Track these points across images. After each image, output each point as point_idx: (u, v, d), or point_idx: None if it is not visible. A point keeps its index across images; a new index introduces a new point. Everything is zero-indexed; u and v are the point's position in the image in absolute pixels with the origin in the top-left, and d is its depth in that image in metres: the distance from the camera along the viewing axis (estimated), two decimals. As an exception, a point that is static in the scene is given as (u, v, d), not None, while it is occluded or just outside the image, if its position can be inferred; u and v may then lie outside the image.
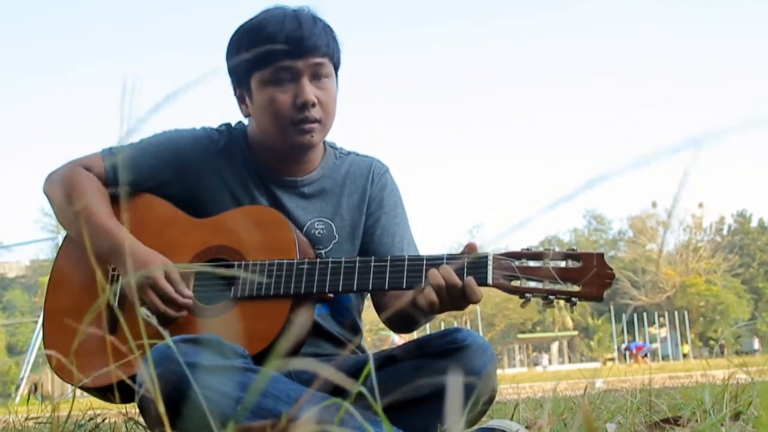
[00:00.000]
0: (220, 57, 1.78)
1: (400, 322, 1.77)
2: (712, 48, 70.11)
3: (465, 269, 1.51)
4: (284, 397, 1.41)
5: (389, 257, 1.58)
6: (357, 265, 1.58)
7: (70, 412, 1.90)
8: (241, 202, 1.78)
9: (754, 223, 54.68)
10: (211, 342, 1.41)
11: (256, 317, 1.58)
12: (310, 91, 1.68)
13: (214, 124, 1.88)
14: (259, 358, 1.51)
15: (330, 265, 1.59)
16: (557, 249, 1.52)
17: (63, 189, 1.75)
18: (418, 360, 1.59)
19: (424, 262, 1.55)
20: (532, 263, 1.51)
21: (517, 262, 1.51)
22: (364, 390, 0.77)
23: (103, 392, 1.67)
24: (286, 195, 1.81)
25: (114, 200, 1.79)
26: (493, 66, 73.24)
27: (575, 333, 48.26)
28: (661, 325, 47.70)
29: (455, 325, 1.65)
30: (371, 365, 0.82)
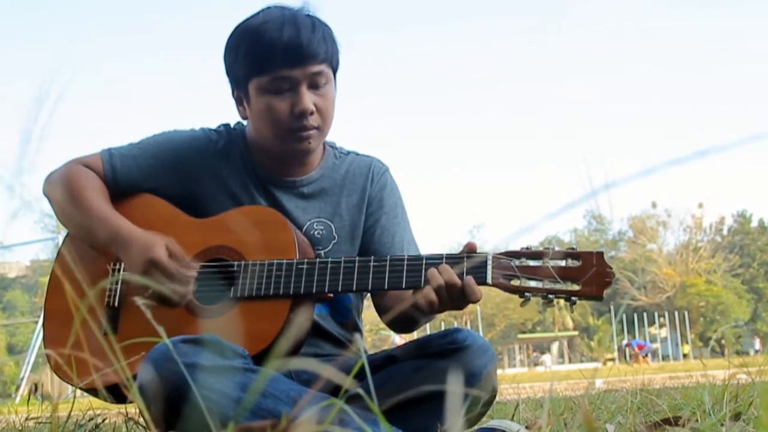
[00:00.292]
0: (219, 57, 1.78)
1: (400, 322, 1.77)
2: (713, 48, 70.14)
3: (464, 269, 1.51)
4: (284, 398, 1.41)
5: (388, 257, 1.58)
6: (356, 265, 1.58)
7: (70, 412, 1.90)
8: (241, 203, 1.78)
9: (754, 223, 54.66)
10: (211, 342, 1.41)
11: (256, 317, 1.58)
12: (308, 99, 1.68)
13: (213, 125, 1.88)
14: (259, 358, 1.51)
15: (329, 265, 1.59)
16: (557, 248, 1.52)
17: (62, 186, 1.75)
18: (418, 360, 1.59)
19: (423, 261, 1.55)
20: (531, 262, 1.51)
21: (516, 262, 1.51)
22: (361, 391, 0.77)
23: (104, 392, 1.67)
24: (285, 195, 1.81)
25: (113, 200, 1.79)
26: (493, 66, 73.28)
27: (575, 333, 48.25)
28: (661, 325, 47.68)
29: (455, 325, 1.65)
30: (365, 364, 0.81)
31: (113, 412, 2.06)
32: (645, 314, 43.86)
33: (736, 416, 1.46)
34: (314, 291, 1.58)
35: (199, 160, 1.81)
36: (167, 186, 1.80)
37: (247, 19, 1.73)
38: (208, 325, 1.60)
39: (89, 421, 1.94)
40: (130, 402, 1.64)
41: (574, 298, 1.48)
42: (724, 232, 54.28)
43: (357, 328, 1.86)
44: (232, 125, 1.88)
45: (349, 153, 1.92)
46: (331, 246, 1.80)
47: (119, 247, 1.66)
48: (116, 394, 1.59)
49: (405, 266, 1.56)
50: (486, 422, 1.61)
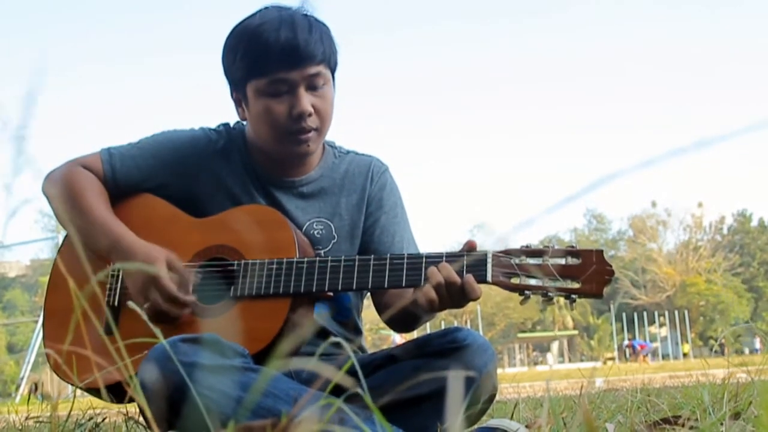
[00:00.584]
0: (218, 57, 1.78)
1: (400, 321, 1.77)
2: (713, 48, 70.09)
3: (464, 267, 1.50)
4: (284, 397, 1.41)
5: (388, 255, 1.58)
6: (356, 263, 1.58)
7: (70, 411, 1.90)
8: (240, 202, 1.78)
9: (754, 223, 54.66)
10: (211, 341, 1.41)
11: (256, 316, 1.58)
12: (306, 101, 1.67)
13: (213, 125, 1.88)
14: (259, 357, 1.51)
15: (329, 264, 1.59)
16: (556, 246, 1.52)
17: (62, 188, 1.75)
18: (418, 359, 1.59)
19: (423, 260, 1.55)
20: (531, 260, 1.51)
21: (516, 260, 1.51)
22: (360, 390, 0.77)
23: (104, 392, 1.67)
24: (284, 195, 1.81)
25: (113, 200, 1.79)
26: (493, 66, 73.24)
27: (575, 332, 48.25)
28: (661, 325, 47.68)
29: (455, 324, 1.65)
30: (356, 364, 0.81)
31: (113, 411, 2.06)
32: (645, 313, 43.87)
33: (736, 415, 1.46)
34: (314, 290, 1.58)
35: (198, 159, 1.81)
36: (167, 186, 1.80)
37: (245, 20, 1.73)
38: (208, 324, 1.60)
39: (89, 420, 1.94)
40: (130, 401, 1.64)
41: (573, 296, 1.48)
42: (724, 231, 54.29)
43: (357, 328, 1.86)
44: (231, 125, 1.88)
45: (348, 152, 1.91)
46: (330, 246, 1.79)
47: (119, 256, 1.66)
48: (116, 393, 1.59)
49: (405, 265, 1.56)
50: (486, 421, 1.62)
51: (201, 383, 1.32)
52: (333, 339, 0.92)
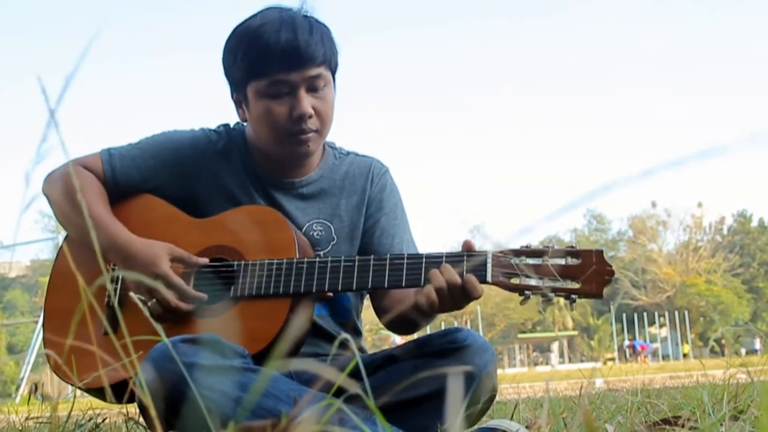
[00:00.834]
0: (219, 57, 1.78)
1: (400, 323, 1.77)
2: (713, 48, 70.09)
3: (464, 267, 1.50)
4: (284, 397, 1.41)
5: (388, 255, 1.58)
6: (356, 263, 1.58)
7: (70, 412, 1.90)
8: (240, 203, 1.78)
9: (754, 223, 54.66)
10: (210, 342, 1.41)
11: (256, 317, 1.58)
12: (306, 103, 1.67)
13: (213, 125, 1.88)
14: (259, 357, 1.51)
15: (329, 264, 1.59)
16: (556, 246, 1.52)
17: (62, 188, 1.75)
18: (418, 360, 1.59)
19: (423, 260, 1.55)
20: (531, 261, 1.51)
21: (516, 260, 1.51)
22: (359, 390, 0.77)
23: (103, 392, 1.67)
24: (284, 196, 1.81)
25: (113, 200, 1.79)
26: (493, 66, 73.25)
27: (575, 333, 48.25)
28: (662, 325, 47.69)
29: (455, 324, 1.64)
30: (360, 364, 0.81)
31: (113, 412, 2.06)
32: (645, 314, 43.87)
33: (736, 416, 1.46)
34: (314, 290, 1.58)
35: (198, 160, 1.81)
36: (167, 186, 1.80)
37: (245, 21, 1.72)
38: (208, 324, 1.60)
39: (89, 421, 1.94)
40: (130, 401, 1.64)
41: (573, 297, 1.48)
42: (724, 231, 54.30)
43: (356, 329, 1.86)
44: (231, 126, 1.88)
45: (349, 153, 1.91)
46: (330, 247, 1.79)
47: (117, 256, 1.66)
48: (116, 393, 1.59)
49: (405, 265, 1.56)
50: (486, 422, 1.61)
51: (201, 383, 1.32)
52: (341, 337, 0.92)
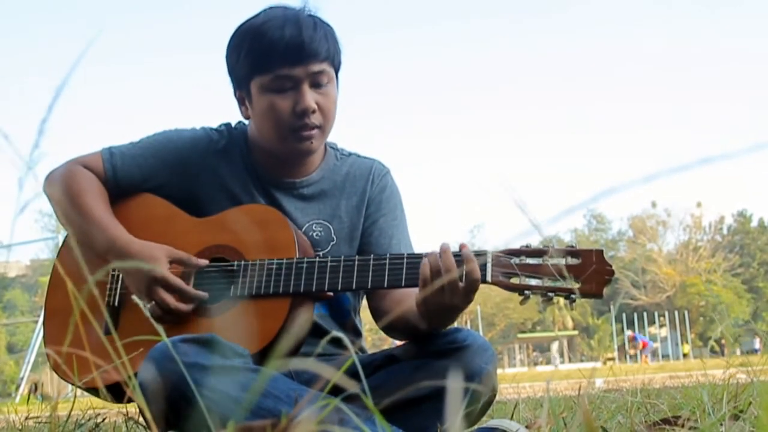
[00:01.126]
0: (219, 57, 1.78)
1: (398, 327, 1.75)
2: (713, 48, 70.11)
3: (464, 266, 1.50)
4: (284, 397, 1.41)
5: (388, 255, 1.58)
6: (356, 263, 1.58)
7: (70, 411, 1.90)
8: (240, 203, 1.78)
9: (754, 223, 54.65)
10: (211, 342, 1.41)
11: (256, 316, 1.58)
12: (310, 98, 1.68)
13: (214, 124, 1.88)
14: (260, 357, 1.51)
15: (329, 264, 1.59)
16: (556, 246, 1.52)
17: (62, 188, 1.75)
18: (418, 359, 1.59)
19: (423, 260, 1.55)
20: (531, 260, 1.50)
21: (516, 260, 1.51)
22: (359, 390, 0.77)
23: (104, 391, 1.67)
24: (284, 197, 1.81)
25: (113, 200, 1.79)
26: (493, 66, 73.27)
27: (575, 333, 48.24)
28: (661, 325, 47.69)
29: (455, 324, 1.63)
30: (358, 364, 0.81)
31: (113, 411, 2.06)
32: (645, 314, 43.87)
33: (736, 416, 1.46)
34: (314, 289, 1.58)
35: (199, 159, 1.81)
36: (167, 185, 1.80)
37: (249, 19, 1.73)
38: (209, 324, 1.60)
39: (89, 420, 1.94)
40: (130, 401, 1.64)
41: (573, 296, 1.48)
42: (724, 231, 54.30)
43: (356, 329, 1.86)
44: (233, 125, 1.88)
45: (350, 155, 1.91)
46: (329, 248, 1.79)
47: (116, 257, 1.66)
48: (116, 393, 1.59)
49: (405, 264, 1.56)
50: (486, 422, 1.61)
51: (201, 383, 1.32)
52: (333, 335, 0.91)
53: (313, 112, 1.69)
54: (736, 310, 47.05)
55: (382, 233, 1.84)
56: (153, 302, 1.60)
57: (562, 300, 1.51)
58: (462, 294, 1.48)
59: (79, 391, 1.75)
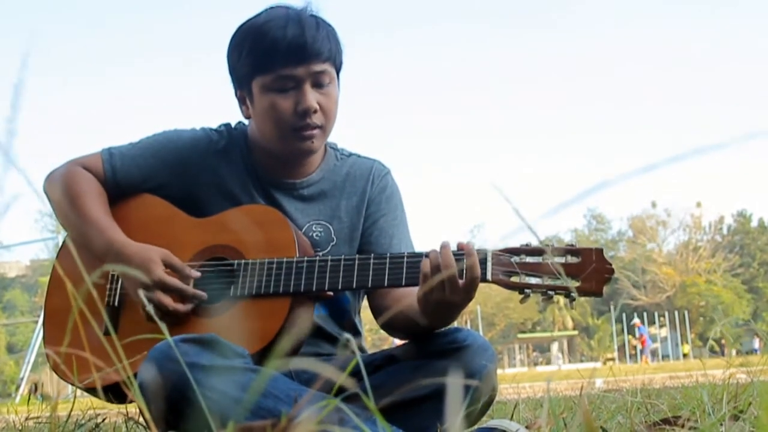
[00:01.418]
0: (219, 57, 1.78)
1: (398, 324, 1.75)
2: (713, 48, 70.15)
3: (464, 265, 1.50)
4: (284, 397, 1.41)
5: (388, 254, 1.58)
6: (356, 262, 1.58)
7: (70, 412, 1.90)
8: (240, 203, 1.78)
9: (754, 223, 54.64)
10: (211, 342, 1.41)
11: (256, 316, 1.58)
12: (311, 97, 1.68)
13: (214, 125, 1.88)
14: (260, 356, 1.51)
15: (329, 263, 1.59)
16: (556, 245, 1.52)
17: (61, 189, 1.75)
18: (418, 359, 1.59)
19: (423, 258, 1.55)
20: (531, 259, 1.51)
21: (516, 258, 1.51)
22: (358, 390, 0.77)
23: (104, 392, 1.67)
24: (284, 197, 1.81)
25: (113, 200, 1.79)
26: (493, 66, 73.29)
27: (575, 333, 48.23)
28: (661, 325, 47.68)
29: (455, 324, 1.63)
30: (360, 364, 0.81)
31: (113, 411, 2.06)
32: (645, 314, 43.86)
33: (736, 416, 1.46)
34: (314, 289, 1.58)
35: (199, 160, 1.81)
36: (167, 185, 1.80)
37: (251, 19, 1.74)
38: (209, 324, 1.60)
39: (89, 420, 1.94)
40: (130, 401, 1.64)
41: (573, 295, 1.48)
42: (724, 231, 54.28)
43: (356, 329, 1.86)
44: (233, 125, 1.88)
45: (351, 155, 1.91)
46: (329, 248, 1.79)
47: (113, 259, 1.66)
48: (116, 393, 1.59)
49: (405, 263, 1.56)
50: (486, 422, 1.61)
51: (201, 383, 1.32)
52: (344, 339, 0.92)
53: (315, 112, 1.69)
54: (736, 310, 47.04)
55: (382, 233, 1.83)
56: (151, 305, 1.60)
57: (562, 299, 1.51)
58: (462, 291, 1.48)
59: (79, 392, 1.75)
